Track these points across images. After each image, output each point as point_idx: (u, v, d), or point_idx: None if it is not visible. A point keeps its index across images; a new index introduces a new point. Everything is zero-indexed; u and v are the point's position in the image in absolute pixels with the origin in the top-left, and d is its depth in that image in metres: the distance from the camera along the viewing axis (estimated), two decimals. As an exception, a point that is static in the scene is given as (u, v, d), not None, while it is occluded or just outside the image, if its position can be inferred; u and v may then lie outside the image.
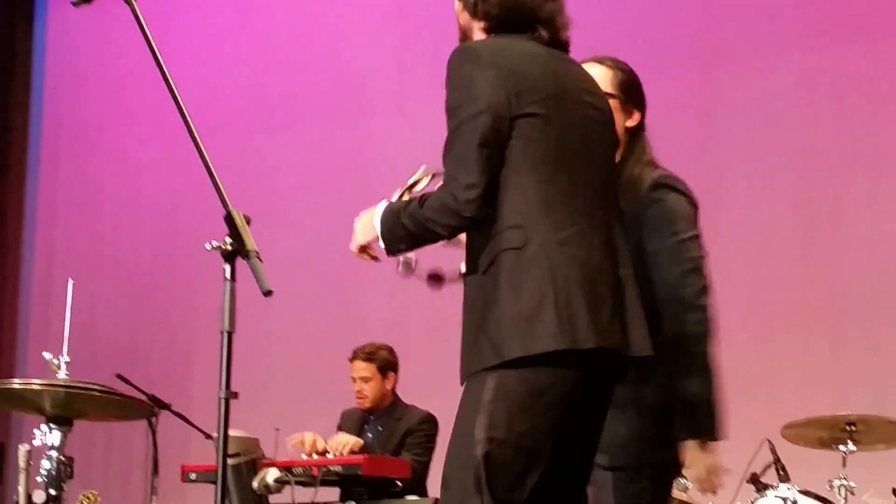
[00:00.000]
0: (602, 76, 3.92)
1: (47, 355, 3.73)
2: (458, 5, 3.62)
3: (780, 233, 7.67)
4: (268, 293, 3.29)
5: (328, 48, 9.28)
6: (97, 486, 6.84)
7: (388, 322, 8.19)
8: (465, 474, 3.31)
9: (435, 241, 3.48)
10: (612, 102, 3.84)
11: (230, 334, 3.35)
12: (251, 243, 3.34)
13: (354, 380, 7.09)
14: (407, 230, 3.46)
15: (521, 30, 3.51)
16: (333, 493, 6.55)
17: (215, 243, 3.35)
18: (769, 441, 5.80)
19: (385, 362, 7.09)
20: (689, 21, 8.13)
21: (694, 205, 3.94)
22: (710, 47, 8.05)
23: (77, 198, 10.01)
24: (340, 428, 7.08)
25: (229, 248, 3.34)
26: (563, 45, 3.56)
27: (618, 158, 3.83)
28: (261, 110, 9.46)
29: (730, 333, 7.40)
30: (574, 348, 3.27)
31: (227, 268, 3.36)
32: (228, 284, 3.35)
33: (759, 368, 7.47)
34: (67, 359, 3.71)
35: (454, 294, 3.59)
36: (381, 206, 3.54)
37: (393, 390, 7.13)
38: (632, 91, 4.00)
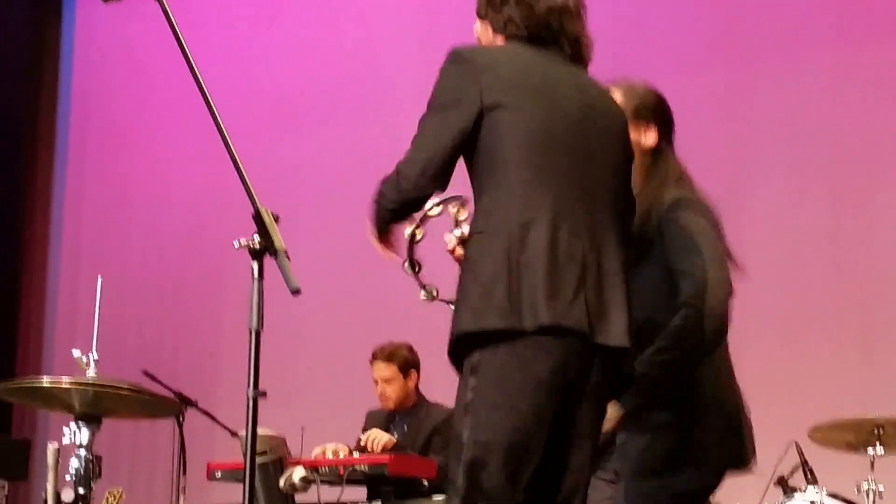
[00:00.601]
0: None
1: (76, 353, 3.72)
2: (478, 26, 3.71)
3: (810, 234, 7.62)
4: (296, 291, 3.29)
5: (351, 45, 9.26)
6: (122, 483, 6.85)
7: (413, 319, 8.15)
8: (458, 475, 3.39)
9: (388, 217, 3.58)
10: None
11: (258, 333, 3.34)
12: (280, 241, 3.34)
13: (376, 381, 7.05)
14: (375, 208, 3.58)
15: (544, 45, 3.62)
16: (360, 492, 6.54)
17: (243, 241, 3.35)
18: (796, 443, 5.75)
19: (405, 361, 7.04)
20: (715, 19, 8.08)
21: (712, 221, 3.95)
22: (738, 46, 8.00)
23: (104, 195, 10.02)
24: (366, 430, 7.07)
25: (257, 246, 3.34)
26: (577, 60, 3.67)
27: (638, 178, 3.85)
28: (284, 108, 9.45)
29: (758, 334, 7.45)
30: (521, 328, 3.33)
31: (255, 266, 3.35)
32: (256, 283, 3.35)
33: (787, 370, 7.42)
34: (96, 356, 3.70)
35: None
36: None
37: (416, 388, 7.10)
38: (645, 111, 4.02)
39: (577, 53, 3.65)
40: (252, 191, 3.35)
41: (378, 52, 9.10)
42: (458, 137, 3.46)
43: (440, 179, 3.49)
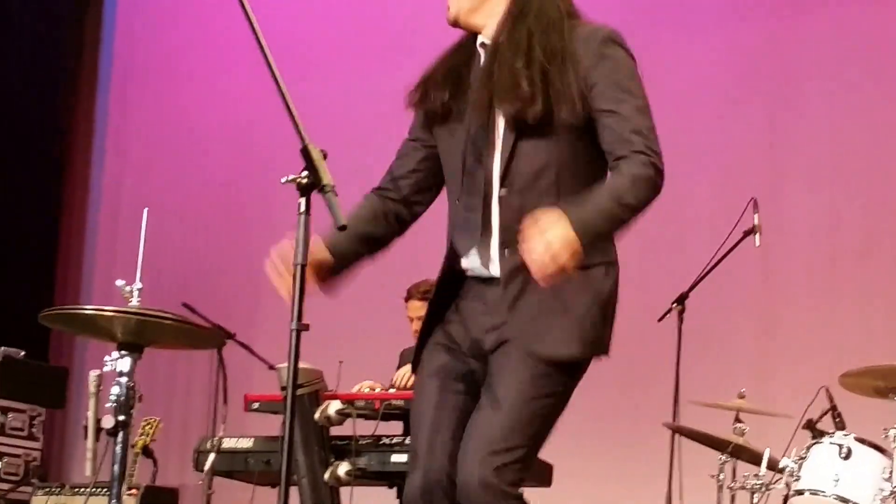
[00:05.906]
0: None
1: (120, 282, 3.77)
2: None
3: (846, 180, 7.61)
4: (342, 228, 3.31)
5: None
6: (158, 414, 6.92)
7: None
8: None
9: None
10: None
11: (304, 267, 3.37)
12: (328, 177, 3.34)
13: (412, 319, 7.09)
14: None
15: None
16: (396, 426, 6.59)
17: (291, 176, 3.35)
18: (826, 389, 5.78)
19: (441, 299, 7.08)
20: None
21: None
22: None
23: (147, 127, 10.04)
24: (400, 367, 7.11)
25: (304, 181, 3.35)
26: None
27: (503, 24, 3.58)
28: (335, 44, 9.43)
29: (790, 281, 7.43)
30: None
31: (303, 201, 3.37)
32: (303, 218, 3.37)
33: (819, 316, 7.44)
34: (140, 286, 3.75)
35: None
36: None
37: (450, 326, 7.11)
38: None
39: None
40: (300, 126, 3.36)
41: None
42: None
43: None
